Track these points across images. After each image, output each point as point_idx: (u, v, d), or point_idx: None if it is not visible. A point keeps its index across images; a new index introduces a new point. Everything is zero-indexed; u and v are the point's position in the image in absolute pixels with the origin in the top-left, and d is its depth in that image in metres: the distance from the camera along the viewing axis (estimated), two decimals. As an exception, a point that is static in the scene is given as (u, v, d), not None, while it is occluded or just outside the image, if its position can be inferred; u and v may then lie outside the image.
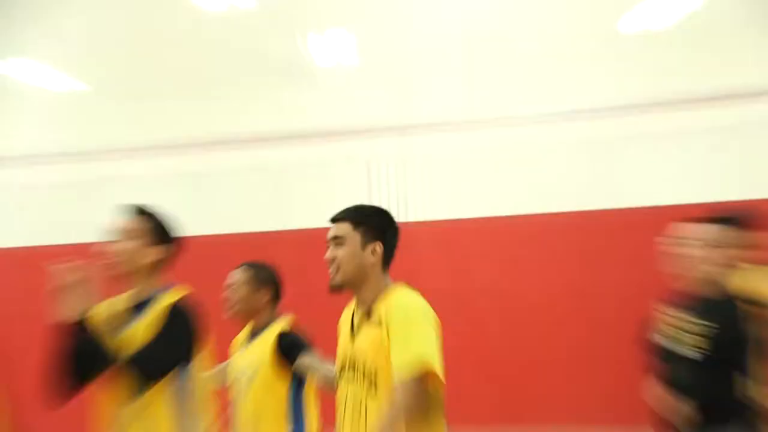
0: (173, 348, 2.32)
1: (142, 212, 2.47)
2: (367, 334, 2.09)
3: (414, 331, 1.96)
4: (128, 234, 2.40)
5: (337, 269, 2.15)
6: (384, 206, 2.30)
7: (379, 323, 2.03)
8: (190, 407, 2.35)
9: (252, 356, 3.02)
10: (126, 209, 2.47)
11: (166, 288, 2.44)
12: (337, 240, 2.19)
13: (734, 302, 2.69)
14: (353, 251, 2.15)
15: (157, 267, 2.44)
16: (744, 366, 2.59)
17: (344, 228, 2.19)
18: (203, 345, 2.42)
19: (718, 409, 2.59)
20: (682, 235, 2.82)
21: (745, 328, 2.62)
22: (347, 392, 2.13)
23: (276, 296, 3.19)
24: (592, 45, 6.20)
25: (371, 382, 2.02)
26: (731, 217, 2.93)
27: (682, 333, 2.70)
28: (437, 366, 1.91)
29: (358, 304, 2.21)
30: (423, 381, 1.90)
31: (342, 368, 2.19)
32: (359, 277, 2.15)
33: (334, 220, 2.24)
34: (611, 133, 6.12)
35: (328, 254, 2.18)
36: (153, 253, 2.42)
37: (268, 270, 3.19)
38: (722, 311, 2.65)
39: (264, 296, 3.13)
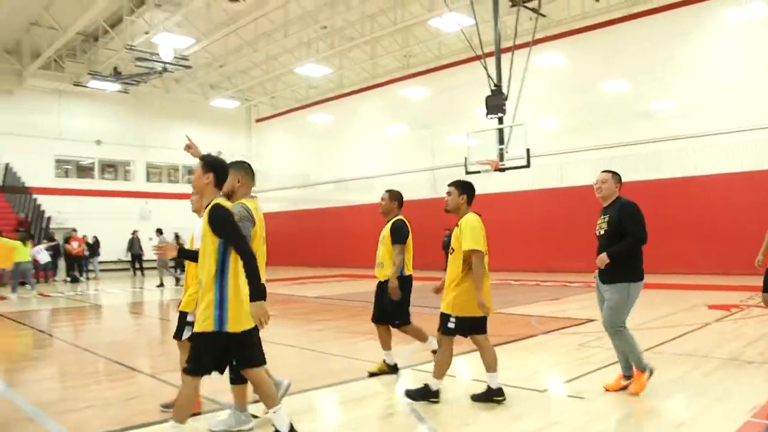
0: None
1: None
2: (455, 233, 5.48)
3: (468, 232, 5.36)
4: None
5: (448, 204, 5.72)
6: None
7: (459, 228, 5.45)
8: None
9: None
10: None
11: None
12: (449, 192, 5.68)
13: None
14: (455, 198, 5.64)
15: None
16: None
17: (453, 189, 5.68)
18: None
19: None
20: None
21: None
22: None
23: None
24: None
25: (453, 250, 5.48)
26: None
27: None
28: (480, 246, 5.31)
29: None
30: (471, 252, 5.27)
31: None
32: (456, 209, 5.59)
33: (451, 185, 5.72)
34: None
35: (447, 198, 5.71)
36: None
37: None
38: None
39: None
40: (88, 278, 25.59)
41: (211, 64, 28.89)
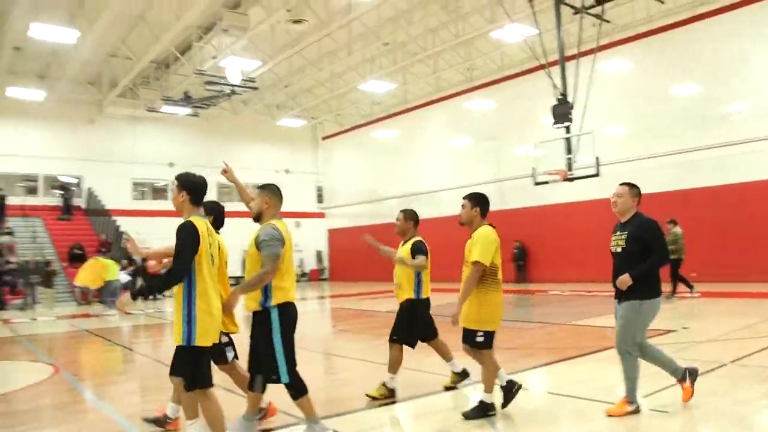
0: None
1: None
2: (468, 244, 5.46)
3: (479, 243, 5.37)
4: None
5: (461, 217, 5.67)
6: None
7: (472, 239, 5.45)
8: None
9: None
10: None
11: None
12: (463, 205, 5.62)
13: None
14: (469, 211, 5.60)
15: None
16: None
17: (466, 202, 5.65)
18: None
19: None
20: None
21: None
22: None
23: None
24: None
25: (465, 262, 5.41)
26: None
27: None
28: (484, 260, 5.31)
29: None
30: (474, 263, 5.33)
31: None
32: (469, 222, 5.59)
33: (465, 197, 5.71)
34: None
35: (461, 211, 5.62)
36: None
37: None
38: None
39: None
40: (164, 295, 26.39)
41: (276, 84, 29.57)
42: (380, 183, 32.97)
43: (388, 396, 6.19)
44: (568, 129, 18.76)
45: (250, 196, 5.46)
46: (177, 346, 4.31)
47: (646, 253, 5.14)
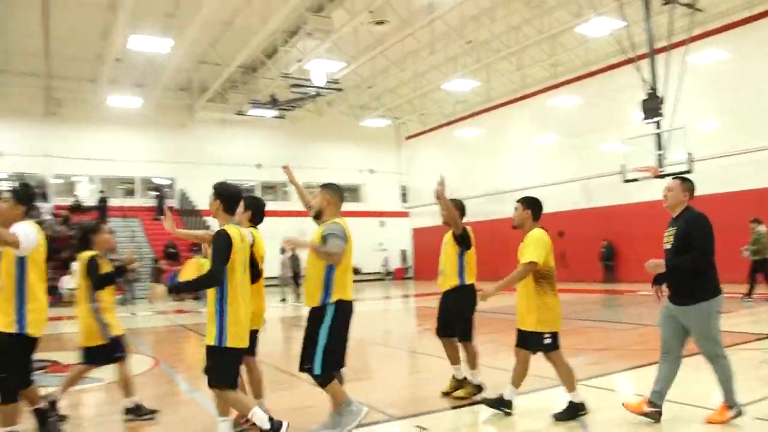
0: None
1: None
2: (520, 247, 5.43)
3: (531, 244, 5.36)
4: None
5: (514, 220, 5.66)
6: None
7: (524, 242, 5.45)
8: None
9: None
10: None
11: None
12: (516, 208, 5.63)
13: None
14: (521, 214, 5.59)
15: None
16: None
17: (519, 205, 5.64)
18: None
19: None
20: None
21: None
22: None
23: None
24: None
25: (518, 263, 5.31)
26: None
27: None
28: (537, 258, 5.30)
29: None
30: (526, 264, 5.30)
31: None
32: (521, 224, 5.62)
33: (518, 201, 5.65)
34: None
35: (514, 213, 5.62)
36: None
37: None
38: None
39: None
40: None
41: (360, 85, 29.89)
42: (464, 182, 32.73)
43: (461, 388, 6.24)
44: (658, 124, 18.15)
45: (309, 197, 5.62)
46: (208, 346, 4.51)
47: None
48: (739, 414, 4.96)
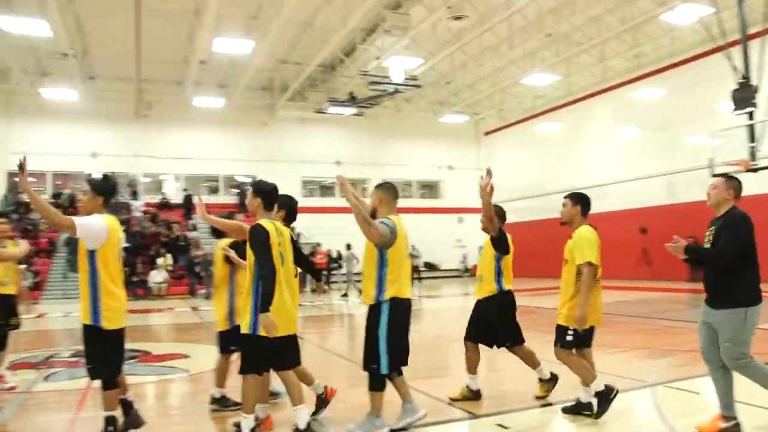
0: None
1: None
2: (569, 245, 5.41)
3: (582, 244, 5.31)
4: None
5: (562, 216, 5.63)
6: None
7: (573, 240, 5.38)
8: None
9: None
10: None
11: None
12: (564, 204, 5.66)
13: None
14: (569, 210, 5.60)
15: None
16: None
17: (567, 201, 5.64)
18: None
19: None
20: None
21: None
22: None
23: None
24: None
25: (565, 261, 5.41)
26: None
27: None
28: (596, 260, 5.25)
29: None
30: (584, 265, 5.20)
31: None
32: (570, 221, 5.56)
33: (566, 197, 5.70)
34: None
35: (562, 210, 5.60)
36: None
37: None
38: None
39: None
40: (331, 288, 27.47)
41: (438, 81, 29.82)
42: (544, 177, 32.24)
43: (471, 398, 5.99)
44: (751, 115, 17.35)
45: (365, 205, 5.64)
46: (242, 334, 4.72)
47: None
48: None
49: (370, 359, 4.90)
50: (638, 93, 26.98)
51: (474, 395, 6.04)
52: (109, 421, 4.75)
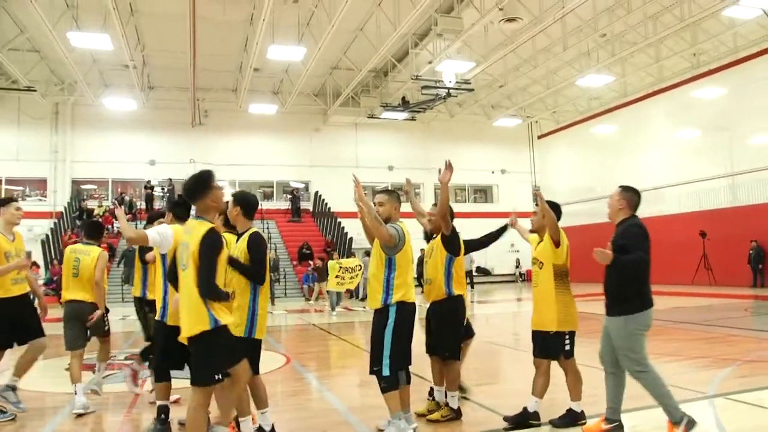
0: None
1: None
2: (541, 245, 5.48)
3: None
4: None
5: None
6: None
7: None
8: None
9: None
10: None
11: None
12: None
13: None
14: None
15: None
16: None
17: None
18: None
19: None
20: None
21: None
22: None
23: None
24: None
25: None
26: None
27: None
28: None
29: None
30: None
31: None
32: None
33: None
34: None
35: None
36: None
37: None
38: None
39: None
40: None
41: (491, 84, 29.60)
42: (599, 180, 31.63)
43: (450, 416, 5.59)
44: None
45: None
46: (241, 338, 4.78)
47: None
48: (692, 425, 4.57)
49: (376, 362, 4.96)
50: (697, 93, 26.23)
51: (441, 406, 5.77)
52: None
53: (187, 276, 4.24)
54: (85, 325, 6.53)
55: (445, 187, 5.36)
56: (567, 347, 5.31)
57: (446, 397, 5.73)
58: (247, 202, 5.18)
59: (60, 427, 5.92)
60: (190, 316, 4.18)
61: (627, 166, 29.81)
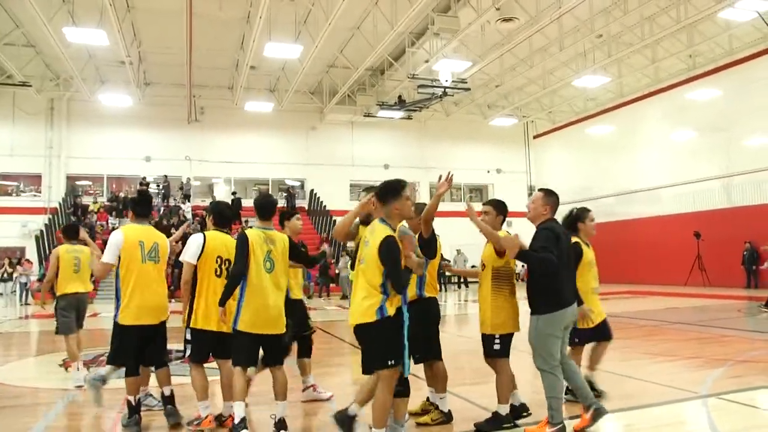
0: None
1: None
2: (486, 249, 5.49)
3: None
4: None
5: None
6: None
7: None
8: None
9: None
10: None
11: None
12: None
13: None
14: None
15: None
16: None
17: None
18: None
19: None
20: None
21: None
22: None
23: None
24: None
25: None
26: None
27: None
28: None
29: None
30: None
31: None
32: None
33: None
34: None
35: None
36: None
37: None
38: None
39: None
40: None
41: (488, 84, 29.62)
42: (595, 181, 31.72)
43: (440, 419, 5.49)
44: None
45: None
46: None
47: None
48: (599, 413, 4.87)
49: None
50: (693, 94, 26.31)
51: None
52: None
53: (364, 270, 4.59)
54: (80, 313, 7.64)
55: (438, 198, 5.26)
56: (496, 347, 5.29)
57: (430, 398, 5.77)
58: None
59: (54, 423, 5.91)
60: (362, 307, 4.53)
61: (622, 166, 29.91)
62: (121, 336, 5.47)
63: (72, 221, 8.31)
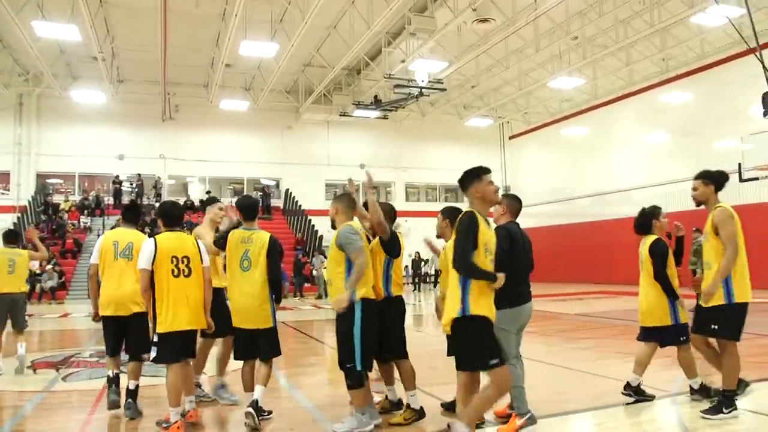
0: None
1: None
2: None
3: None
4: None
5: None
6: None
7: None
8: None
9: None
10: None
11: None
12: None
13: None
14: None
15: None
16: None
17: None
18: None
19: None
20: None
21: None
22: None
23: None
24: None
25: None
26: None
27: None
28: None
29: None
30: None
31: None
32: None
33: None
34: None
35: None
36: None
37: None
38: None
39: None
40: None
41: (464, 84, 29.73)
42: (569, 182, 31.99)
43: (413, 418, 5.45)
44: (782, 119, 17.02)
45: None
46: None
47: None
48: (531, 422, 4.95)
49: (347, 358, 4.99)
50: (666, 97, 26.64)
51: (396, 406, 5.77)
52: None
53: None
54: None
55: (371, 197, 5.54)
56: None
57: (395, 397, 5.85)
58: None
59: (18, 426, 5.79)
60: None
61: (597, 167, 30.19)
62: (102, 325, 6.04)
63: (11, 228, 8.59)
